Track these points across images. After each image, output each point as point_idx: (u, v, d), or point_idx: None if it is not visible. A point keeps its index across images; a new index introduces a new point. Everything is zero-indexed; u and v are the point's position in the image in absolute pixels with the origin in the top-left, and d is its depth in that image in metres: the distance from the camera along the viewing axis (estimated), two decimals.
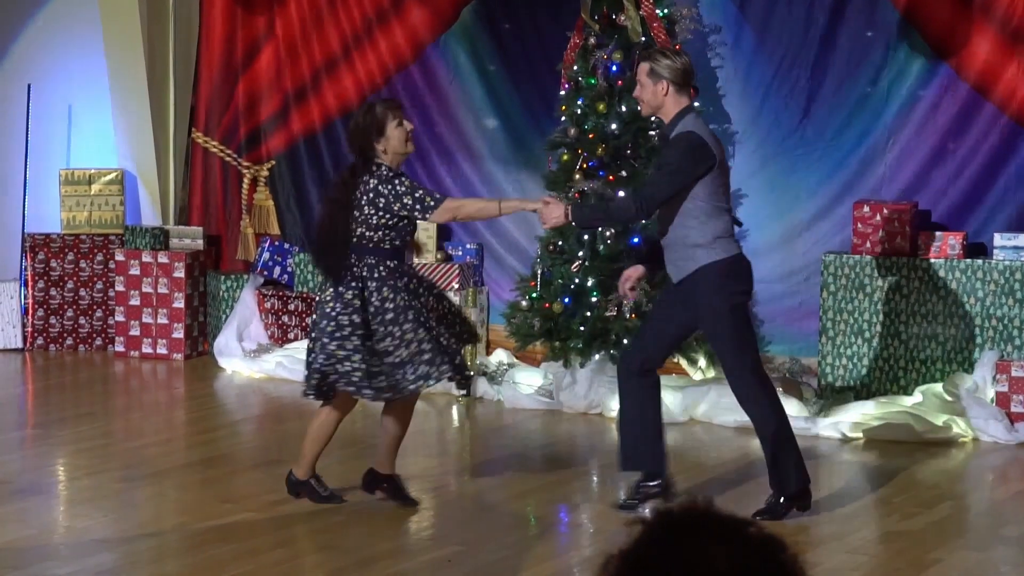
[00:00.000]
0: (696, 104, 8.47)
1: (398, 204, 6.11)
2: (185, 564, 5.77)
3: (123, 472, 7.05)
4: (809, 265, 8.66)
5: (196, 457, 7.46)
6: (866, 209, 8.28)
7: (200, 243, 10.10)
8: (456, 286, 9.32)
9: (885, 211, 8.25)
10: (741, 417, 8.09)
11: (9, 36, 10.74)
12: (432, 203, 6.15)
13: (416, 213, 6.15)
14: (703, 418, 8.20)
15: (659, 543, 1.92)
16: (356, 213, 6.11)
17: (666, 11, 8.46)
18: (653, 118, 8.42)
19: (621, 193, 7.99)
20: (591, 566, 5.67)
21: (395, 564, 5.76)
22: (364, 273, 6.12)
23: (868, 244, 8.27)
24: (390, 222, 6.13)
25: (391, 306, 6.11)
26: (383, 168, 6.18)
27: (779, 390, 8.22)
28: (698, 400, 8.24)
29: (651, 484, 6.37)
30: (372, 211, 6.11)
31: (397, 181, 6.15)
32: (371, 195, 6.11)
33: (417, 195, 6.15)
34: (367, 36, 9.75)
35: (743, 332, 6.24)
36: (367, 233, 6.12)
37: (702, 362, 8.58)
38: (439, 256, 9.53)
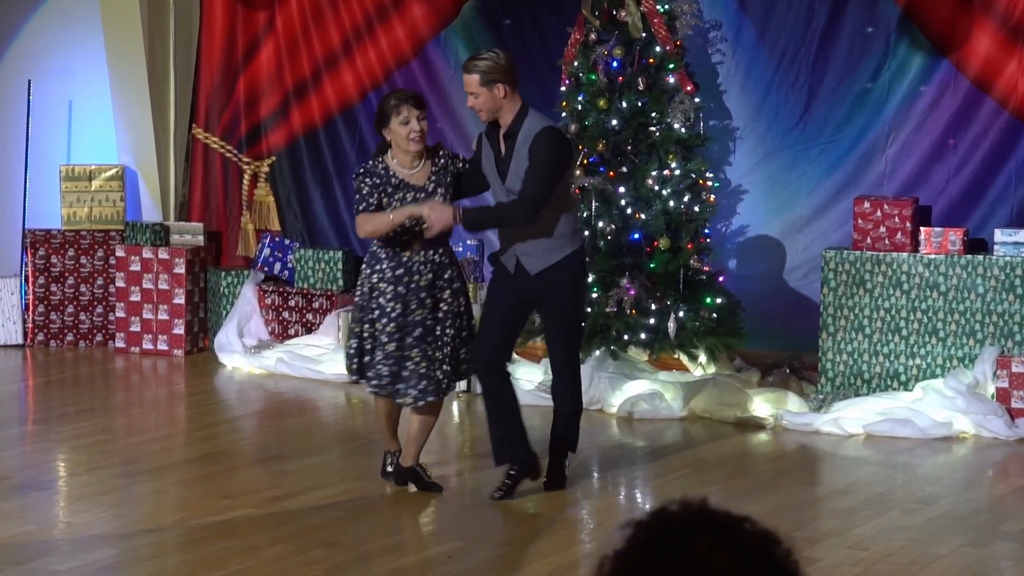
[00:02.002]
0: (697, 99, 8.54)
1: None
2: (185, 560, 5.77)
3: (123, 468, 7.05)
4: (809, 261, 8.65)
5: (196, 453, 7.46)
6: (867, 205, 8.28)
7: (200, 239, 10.10)
8: None
9: (886, 207, 8.24)
10: (741, 413, 8.10)
11: (9, 32, 10.74)
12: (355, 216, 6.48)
13: None
14: (702, 413, 8.20)
15: (654, 543, 1.92)
16: None
17: (667, 7, 8.45)
18: (653, 112, 8.44)
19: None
20: (590, 563, 5.67)
21: (395, 560, 5.76)
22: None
23: (869, 240, 8.26)
24: None
25: (358, 293, 6.44)
26: (371, 163, 6.45)
27: (780, 386, 8.27)
28: (697, 395, 8.23)
29: (512, 473, 6.57)
30: None
31: (356, 181, 6.45)
32: None
33: (354, 203, 6.49)
34: (368, 32, 9.74)
35: (582, 319, 6.87)
36: None
37: (702, 358, 8.57)
38: None
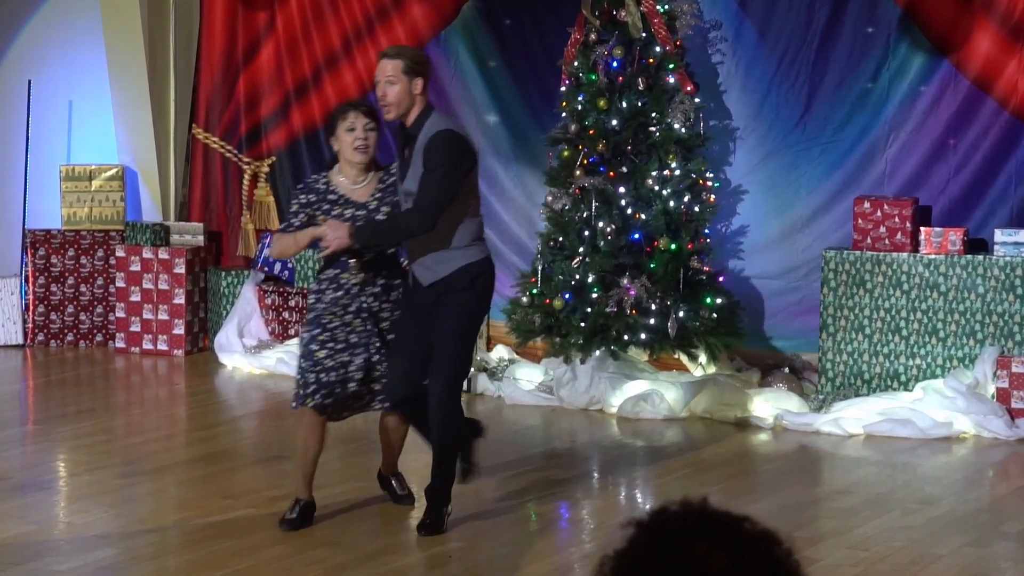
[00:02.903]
0: (697, 99, 8.54)
1: None
2: (185, 560, 5.77)
3: (123, 468, 7.05)
4: (810, 261, 8.65)
5: (196, 453, 7.46)
6: (867, 205, 8.28)
7: (201, 239, 10.09)
8: None
9: (886, 207, 8.24)
10: (741, 413, 8.10)
11: (10, 32, 10.74)
12: None
13: None
14: (703, 413, 8.20)
15: (654, 543, 1.92)
16: None
17: (667, 7, 8.45)
18: (653, 112, 8.45)
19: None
20: (591, 563, 5.67)
21: (395, 560, 5.76)
22: None
23: (869, 240, 8.26)
24: None
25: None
26: (313, 177, 6.21)
27: (781, 386, 8.27)
28: (697, 395, 8.24)
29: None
30: None
31: (293, 194, 6.21)
32: None
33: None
34: (368, 32, 9.74)
35: (471, 343, 6.14)
36: None
37: (702, 358, 8.57)
38: None
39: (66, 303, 10.24)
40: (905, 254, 8.19)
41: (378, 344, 6.01)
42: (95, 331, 10.25)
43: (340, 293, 6.01)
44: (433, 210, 5.83)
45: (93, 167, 10.32)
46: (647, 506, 6.65)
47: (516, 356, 9.08)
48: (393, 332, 6.03)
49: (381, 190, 6.07)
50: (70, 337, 10.25)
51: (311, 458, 6.05)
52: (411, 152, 5.92)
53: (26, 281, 10.26)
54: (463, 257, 5.95)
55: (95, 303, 10.25)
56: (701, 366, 8.60)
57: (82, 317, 10.25)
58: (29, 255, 10.23)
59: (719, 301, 8.42)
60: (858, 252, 8.26)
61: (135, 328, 9.97)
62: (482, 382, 8.81)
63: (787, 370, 8.45)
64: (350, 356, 5.97)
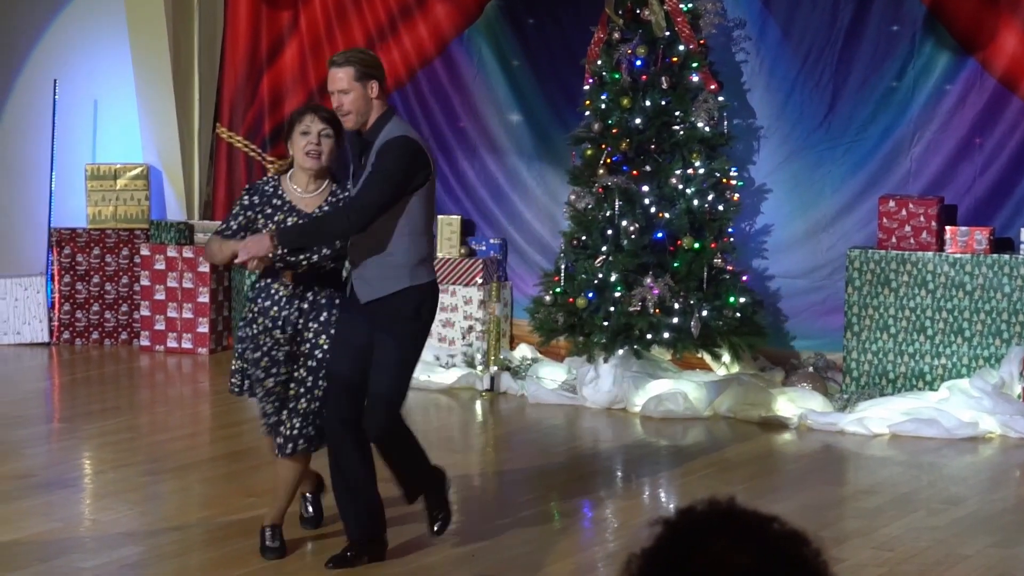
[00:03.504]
0: (721, 98, 8.52)
1: None
2: (209, 557, 5.78)
3: (148, 466, 7.07)
4: (834, 260, 8.63)
5: (220, 451, 7.48)
6: (892, 204, 8.25)
7: None
8: (480, 281, 9.32)
9: (911, 206, 8.21)
10: (765, 412, 8.08)
11: (35, 31, 10.78)
12: None
13: None
14: (726, 413, 8.19)
15: (681, 541, 1.92)
16: None
17: (690, 5, 8.44)
18: (677, 111, 8.43)
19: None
20: (615, 562, 5.67)
21: (419, 558, 5.76)
22: None
23: (894, 239, 8.23)
24: None
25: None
26: (263, 179, 5.81)
27: (805, 385, 8.25)
28: (721, 395, 8.22)
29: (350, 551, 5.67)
30: None
31: (240, 195, 5.76)
32: None
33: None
34: (391, 31, 9.75)
35: (411, 368, 5.58)
36: None
37: (726, 357, 8.56)
38: (462, 251, 9.53)
39: (91, 301, 10.28)
40: (930, 253, 8.16)
41: (292, 387, 5.58)
42: (120, 329, 10.29)
43: (269, 303, 5.59)
44: (366, 212, 5.37)
45: (118, 166, 10.35)
46: (671, 505, 6.64)
47: (539, 355, 9.08)
48: (311, 359, 5.54)
49: (330, 203, 5.61)
50: (95, 335, 10.29)
51: (295, 492, 5.78)
52: (366, 159, 5.49)
53: (52, 279, 10.30)
54: (408, 277, 5.47)
55: (120, 301, 10.29)
56: (724, 365, 8.58)
57: (107, 315, 10.29)
58: (55, 253, 10.27)
59: (743, 300, 8.41)
60: (883, 251, 8.24)
61: (160, 326, 10.00)
62: (505, 381, 8.81)
63: (811, 369, 8.43)
64: (286, 375, 5.59)
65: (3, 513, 6.23)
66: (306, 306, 5.57)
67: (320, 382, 5.54)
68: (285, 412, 5.56)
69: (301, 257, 5.52)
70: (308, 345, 5.56)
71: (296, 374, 5.57)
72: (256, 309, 5.62)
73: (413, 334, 5.52)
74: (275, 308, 5.58)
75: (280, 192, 5.64)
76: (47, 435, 7.90)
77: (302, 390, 5.56)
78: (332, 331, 5.56)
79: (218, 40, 10.33)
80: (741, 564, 1.88)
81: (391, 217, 5.44)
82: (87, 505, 6.55)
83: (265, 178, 5.79)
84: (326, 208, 5.59)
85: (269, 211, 5.60)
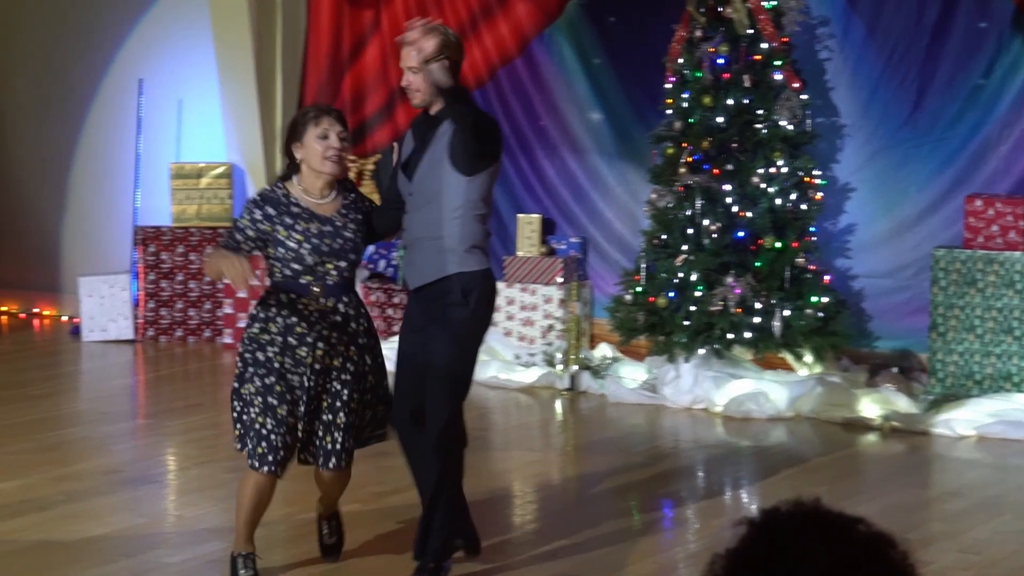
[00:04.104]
0: (804, 96, 8.45)
1: None
2: (292, 554, 5.82)
3: (232, 463, 7.12)
4: (919, 260, 8.53)
5: None
6: (978, 203, 8.14)
7: None
8: (560, 280, 9.32)
9: (998, 205, 8.10)
10: (848, 413, 8.00)
11: (121, 32, 10.92)
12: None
13: None
14: (809, 414, 8.12)
15: (766, 542, 1.90)
16: None
17: (773, 3, 8.38)
18: (759, 110, 8.37)
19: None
20: (696, 562, 5.64)
21: (500, 558, 5.76)
22: None
23: (980, 238, 8.12)
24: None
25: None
26: (268, 188, 5.34)
27: (889, 386, 8.16)
28: (803, 395, 8.16)
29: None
30: None
31: (246, 206, 5.30)
32: None
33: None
34: (472, 30, 9.77)
35: (470, 364, 5.30)
36: None
37: (808, 357, 8.49)
38: (542, 250, 9.53)
39: (175, 299, 10.40)
40: (1018, 253, 8.04)
41: (329, 399, 5.23)
42: (203, 326, 10.40)
43: (295, 319, 5.18)
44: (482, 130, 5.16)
45: (202, 165, 10.46)
46: (752, 506, 6.60)
47: (619, 354, 9.06)
48: (343, 376, 5.24)
49: (346, 205, 5.31)
50: (179, 332, 10.40)
51: (262, 513, 5.36)
52: (433, 138, 5.24)
53: (137, 277, 10.43)
54: (457, 263, 5.21)
55: (203, 299, 10.40)
56: (807, 366, 8.52)
57: (191, 312, 10.40)
58: (140, 252, 10.40)
59: (825, 300, 8.34)
60: (969, 251, 8.13)
61: (242, 324, 10.09)
62: (585, 380, 8.80)
63: (895, 370, 8.34)
64: (303, 405, 5.20)
65: (90, 508, 6.31)
66: (339, 319, 5.23)
67: (355, 395, 5.24)
68: (320, 426, 5.22)
69: (330, 266, 5.22)
70: (340, 360, 5.23)
71: (329, 387, 5.22)
72: (277, 329, 5.20)
73: (463, 321, 5.19)
74: (302, 326, 5.18)
75: (293, 199, 5.24)
76: (132, 431, 8.00)
77: (338, 403, 5.21)
78: (363, 340, 5.27)
79: (301, 39, 10.40)
80: (827, 565, 1.86)
81: (446, 197, 5.21)
82: (172, 501, 6.62)
83: (268, 188, 5.32)
84: (343, 210, 5.27)
85: (289, 220, 5.21)
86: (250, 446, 5.20)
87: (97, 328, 10.39)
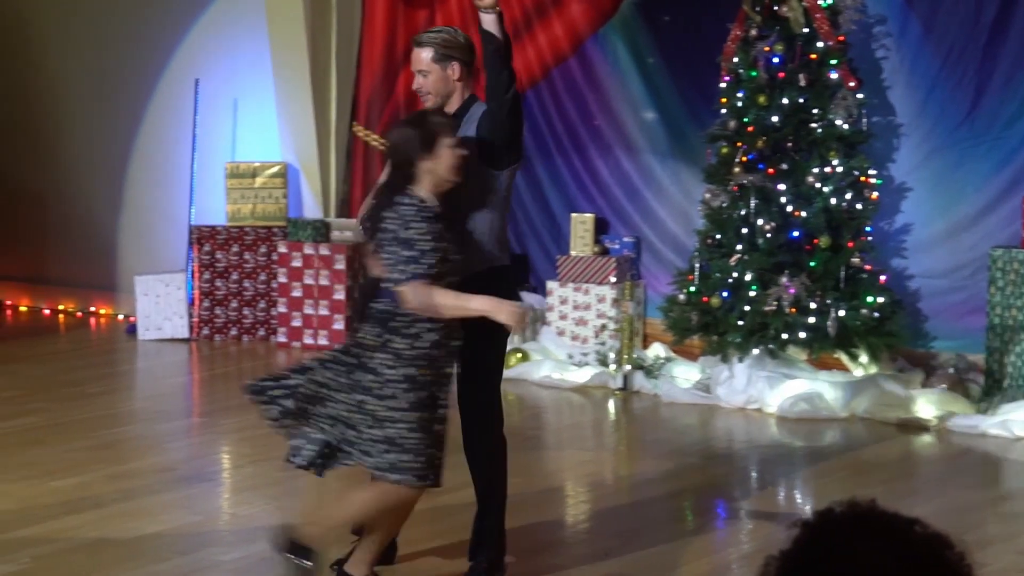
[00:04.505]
0: (860, 95, 8.39)
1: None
2: (345, 552, 5.83)
3: (285, 461, 7.16)
4: (976, 260, 8.46)
5: None
6: None
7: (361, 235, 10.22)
8: (613, 279, 9.30)
9: None
10: (904, 414, 7.94)
11: (178, 32, 10.99)
12: (402, 276, 4.79)
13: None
14: (864, 414, 8.07)
15: (821, 544, 1.89)
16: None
17: (829, 1, 8.33)
18: (815, 109, 8.32)
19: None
20: (749, 563, 5.61)
21: (552, 556, 5.76)
22: None
23: None
24: None
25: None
26: (415, 198, 4.87)
27: (945, 387, 8.10)
28: (858, 396, 8.11)
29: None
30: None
31: (415, 223, 4.82)
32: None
33: (411, 257, 4.79)
34: (526, 29, 9.77)
35: (503, 354, 5.28)
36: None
37: (863, 357, 8.43)
38: (596, 249, 9.51)
39: (230, 298, 10.45)
40: None
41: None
42: (257, 325, 10.45)
43: (440, 352, 4.95)
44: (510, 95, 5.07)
45: (257, 164, 10.51)
46: (807, 507, 6.56)
47: (672, 354, 9.03)
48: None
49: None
50: (234, 331, 10.46)
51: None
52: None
53: (192, 276, 10.49)
54: (487, 259, 5.16)
55: (258, 298, 10.45)
56: (862, 366, 8.46)
57: (245, 311, 10.45)
58: (195, 251, 10.47)
59: (881, 300, 8.29)
60: None
61: (296, 323, 10.14)
62: (638, 380, 8.78)
63: (951, 371, 8.27)
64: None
65: (146, 506, 6.36)
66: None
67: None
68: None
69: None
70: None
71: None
72: (443, 353, 4.94)
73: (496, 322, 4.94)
74: (445, 359, 4.98)
75: (432, 208, 4.91)
76: (187, 430, 8.05)
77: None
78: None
79: (355, 39, 10.44)
80: (883, 567, 1.85)
81: (475, 193, 5.13)
82: (226, 499, 6.65)
83: (409, 199, 4.86)
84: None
85: (448, 234, 4.94)
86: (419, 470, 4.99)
87: (152, 327, 10.47)
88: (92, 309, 11.65)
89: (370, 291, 4.98)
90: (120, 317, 11.40)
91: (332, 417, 5.02)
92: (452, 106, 5.23)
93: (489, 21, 5.15)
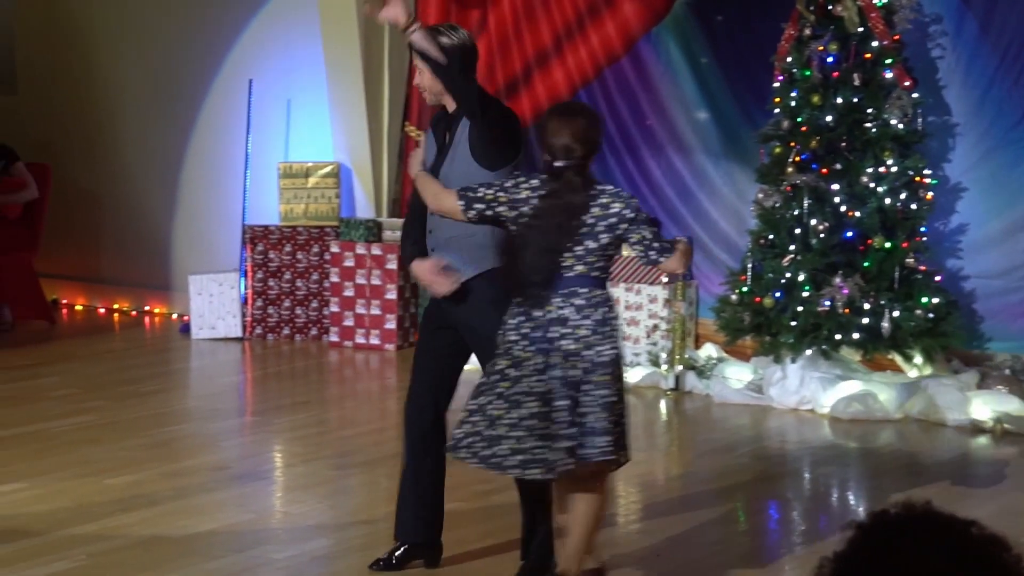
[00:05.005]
0: (915, 95, 8.33)
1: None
2: (387, 551, 5.84)
3: (337, 460, 7.19)
4: None
5: None
6: None
7: None
8: (665, 280, 9.27)
9: None
10: (959, 415, 7.88)
11: (232, 33, 11.05)
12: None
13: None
14: (918, 416, 8.01)
15: (875, 545, 1.88)
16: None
17: (884, 0, 8.27)
18: (869, 108, 8.27)
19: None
20: (802, 565, 5.58)
21: (603, 557, 5.74)
22: None
23: None
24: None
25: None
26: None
27: (1001, 389, 8.02)
28: (912, 397, 8.05)
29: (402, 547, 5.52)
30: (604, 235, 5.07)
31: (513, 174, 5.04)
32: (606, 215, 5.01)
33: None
34: (578, 29, 9.76)
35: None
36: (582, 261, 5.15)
37: (918, 358, 8.37)
38: None
39: (283, 297, 10.51)
40: None
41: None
42: (310, 325, 10.49)
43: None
44: (487, 113, 5.11)
45: (309, 164, 10.56)
46: (860, 509, 6.52)
47: (725, 354, 9.00)
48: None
49: None
50: (286, 331, 10.51)
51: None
52: (452, 136, 5.23)
53: (245, 275, 10.55)
54: (490, 259, 5.13)
55: (310, 298, 10.50)
56: (916, 367, 8.40)
57: (298, 311, 10.50)
58: (248, 250, 10.52)
59: (935, 301, 8.22)
60: None
61: (348, 322, 10.17)
62: (690, 380, 8.76)
63: (1008, 372, 8.20)
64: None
65: (200, 504, 6.40)
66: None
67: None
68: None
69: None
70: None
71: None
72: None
73: (495, 321, 4.98)
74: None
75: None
76: (240, 428, 8.09)
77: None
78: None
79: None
80: (938, 569, 1.83)
81: None
82: (278, 497, 6.68)
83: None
84: None
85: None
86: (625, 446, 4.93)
87: (206, 326, 10.54)
88: (146, 308, 11.74)
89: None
90: (174, 316, 11.48)
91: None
92: (452, 104, 5.26)
93: (416, 39, 5.22)
